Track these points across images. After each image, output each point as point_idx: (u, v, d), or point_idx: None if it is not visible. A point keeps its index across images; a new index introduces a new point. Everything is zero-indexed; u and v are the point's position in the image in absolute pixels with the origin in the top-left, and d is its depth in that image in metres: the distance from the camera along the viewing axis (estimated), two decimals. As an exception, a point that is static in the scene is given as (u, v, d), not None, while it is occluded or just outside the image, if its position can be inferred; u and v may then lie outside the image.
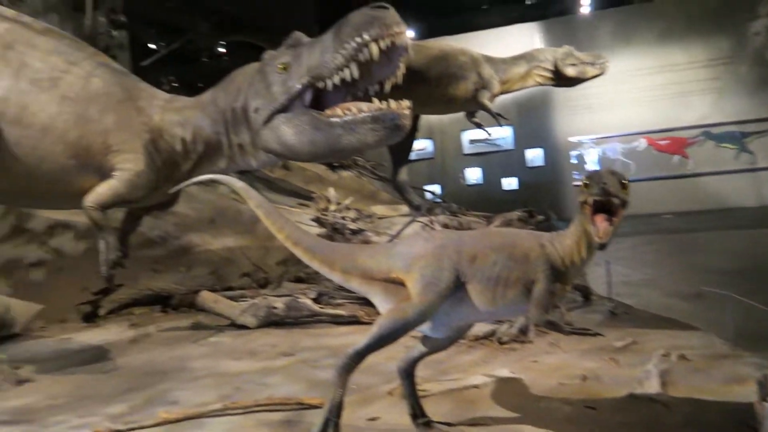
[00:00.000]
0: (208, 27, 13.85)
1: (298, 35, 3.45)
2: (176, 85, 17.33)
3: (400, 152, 7.90)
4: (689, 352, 3.12)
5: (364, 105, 3.19)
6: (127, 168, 3.65)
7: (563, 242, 2.18)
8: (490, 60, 7.40)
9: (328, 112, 3.23)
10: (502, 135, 12.72)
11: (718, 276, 5.81)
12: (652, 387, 2.66)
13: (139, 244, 6.21)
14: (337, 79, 3.10)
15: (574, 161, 12.54)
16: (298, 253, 2.53)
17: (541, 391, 2.78)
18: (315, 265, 2.52)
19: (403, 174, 7.94)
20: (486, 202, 11.52)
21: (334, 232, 6.42)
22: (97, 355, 4.07)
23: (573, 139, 12.66)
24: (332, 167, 9.30)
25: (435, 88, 7.09)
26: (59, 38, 3.83)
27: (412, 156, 13.42)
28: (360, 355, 2.21)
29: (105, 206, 3.66)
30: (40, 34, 3.74)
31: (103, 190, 3.63)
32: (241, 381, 3.28)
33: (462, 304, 2.24)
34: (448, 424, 2.46)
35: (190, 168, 3.79)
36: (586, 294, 4.58)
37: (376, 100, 3.17)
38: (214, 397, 3.05)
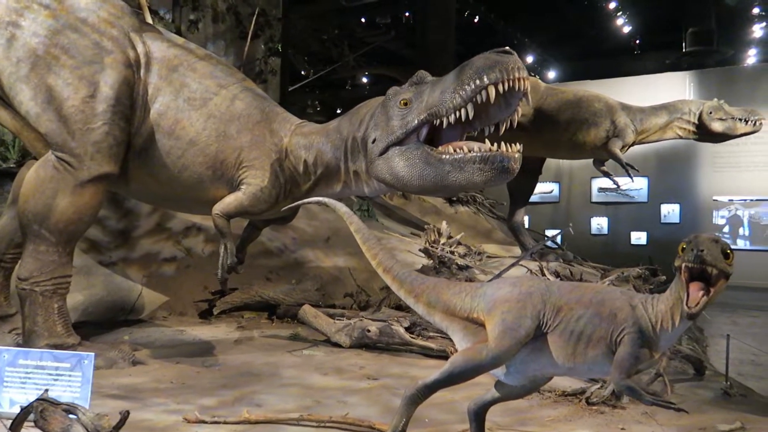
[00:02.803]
0: (353, 58, 14.63)
1: (423, 74, 3.60)
2: (319, 109, 18.46)
3: (520, 193, 7.78)
4: (808, 452, 2.76)
5: (475, 145, 3.26)
6: (254, 183, 3.98)
7: (656, 306, 2.07)
8: (627, 108, 7.09)
9: (440, 148, 3.34)
10: (636, 186, 12.03)
11: None
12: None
13: (259, 253, 6.65)
14: (452, 118, 3.20)
15: (721, 221, 11.55)
16: (388, 280, 2.61)
17: (622, 462, 2.60)
18: (401, 295, 2.58)
19: (520, 215, 7.79)
20: (610, 255, 10.90)
21: (441, 266, 6.44)
22: (204, 350, 4.41)
23: (718, 197, 11.68)
24: (450, 201, 9.35)
25: (564, 132, 6.93)
26: (216, 64, 4.30)
27: (537, 198, 13.18)
28: (429, 389, 2.23)
29: (229, 215, 4.01)
30: (201, 59, 4.22)
31: (230, 200, 3.98)
32: (323, 395, 3.40)
33: (540, 355, 2.19)
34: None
35: (308, 188, 4.06)
36: (699, 367, 4.18)
37: (488, 141, 3.21)
38: (294, 406, 3.19)
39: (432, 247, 6.55)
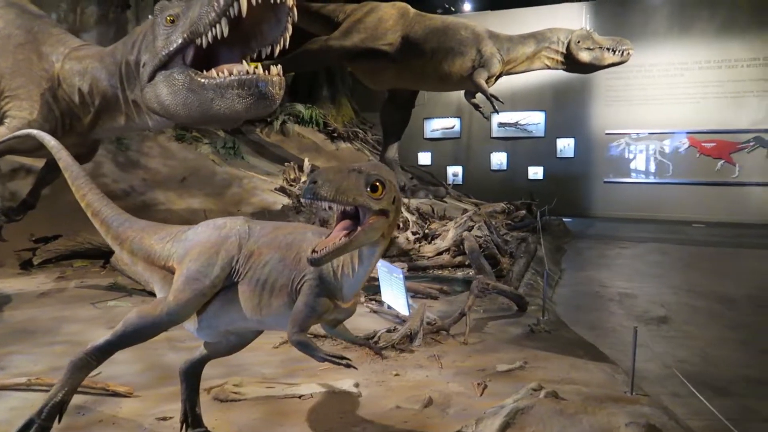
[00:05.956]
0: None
1: None
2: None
3: (393, 128, 7.49)
4: (574, 389, 2.66)
5: (235, 67, 2.91)
6: (19, 116, 3.48)
7: (341, 249, 1.78)
8: (494, 37, 6.81)
9: (206, 72, 2.98)
10: (534, 121, 12.00)
11: (709, 301, 5.14)
12: (487, 430, 2.25)
13: (99, 196, 6.13)
14: (210, 36, 2.83)
15: (614, 154, 11.64)
16: (96, 224, 2.27)
17: (368, 414, 2.42)
18: (109, 241, 2.25)
19: (393, 150, 7.53)
20: (509, 190, 10.88)
21: (301, 205, 6.14)
22: (-7, 305, 3.97)
23: (610, 132, 11.76)
24: (332, 138, 8.97)
25: (429, 62, 6.61)
26: None
27: (439, 135, 12.97)
28: (101, 352, 1.93)
29: None
30: None
31: None
32: (88, 354, 3.06)
33: (230, 308, 1.91)
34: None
35: (90, 122, 3.61)
36: (521, 303, 4.10)
37: (245, 63, 2.86)
38: (45, 367, 2.85)
39: (290, 185, 6.22)
